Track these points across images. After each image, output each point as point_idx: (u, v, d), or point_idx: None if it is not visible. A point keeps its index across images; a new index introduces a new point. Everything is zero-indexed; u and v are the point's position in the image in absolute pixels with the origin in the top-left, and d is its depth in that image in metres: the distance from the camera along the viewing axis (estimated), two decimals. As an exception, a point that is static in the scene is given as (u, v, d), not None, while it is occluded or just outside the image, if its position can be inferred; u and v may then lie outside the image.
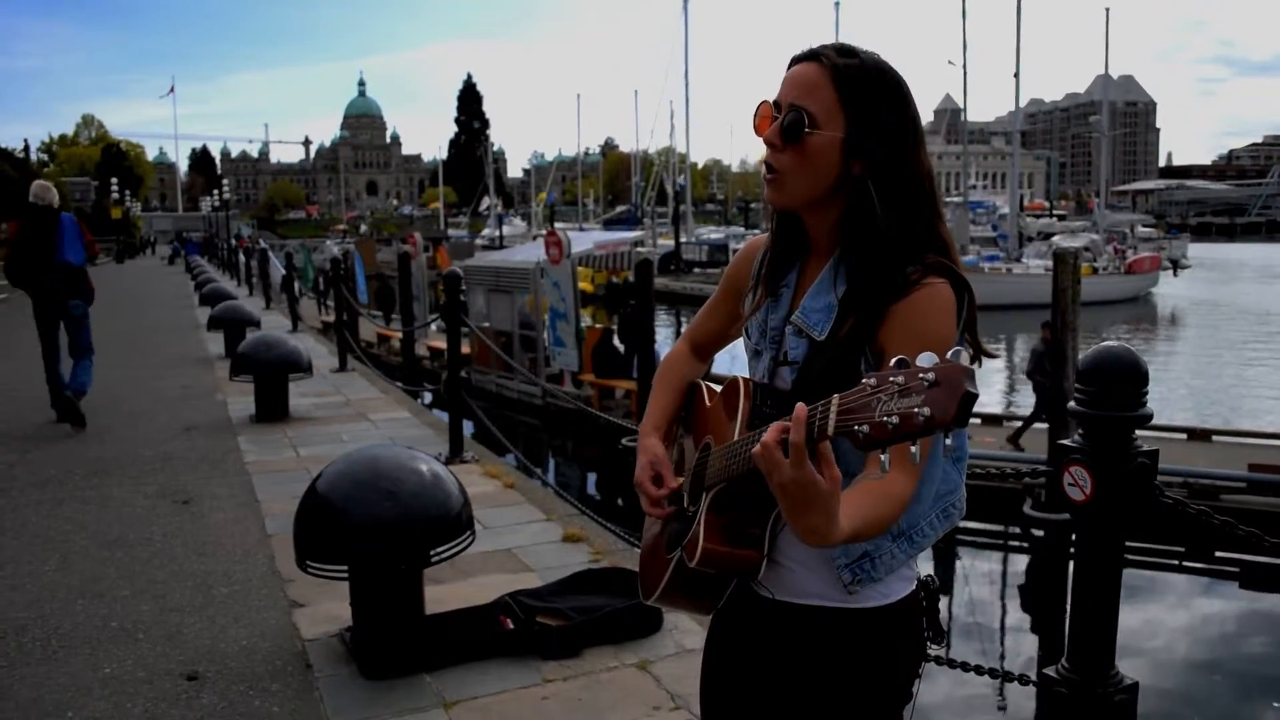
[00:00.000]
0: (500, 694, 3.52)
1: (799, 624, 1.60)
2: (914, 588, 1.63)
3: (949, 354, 1.09)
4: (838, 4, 48.51)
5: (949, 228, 1.60)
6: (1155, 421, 2.40)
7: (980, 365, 1.42)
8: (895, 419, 1.08)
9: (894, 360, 1.13)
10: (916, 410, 1.07)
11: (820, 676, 1.59)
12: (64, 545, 5.26)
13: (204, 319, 15.79)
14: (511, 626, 3.92)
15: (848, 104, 1.52)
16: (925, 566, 1.70)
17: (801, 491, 1.22)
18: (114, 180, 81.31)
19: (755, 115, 1.59)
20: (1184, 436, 11.63)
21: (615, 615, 3.94)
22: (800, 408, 1.21)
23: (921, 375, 1.09)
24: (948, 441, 1.10)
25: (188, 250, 51.02)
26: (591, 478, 13.22)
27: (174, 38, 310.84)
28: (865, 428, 1.11)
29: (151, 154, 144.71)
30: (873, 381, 1.13)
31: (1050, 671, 2.50)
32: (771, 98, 1.58)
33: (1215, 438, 11.78)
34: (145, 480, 6.61)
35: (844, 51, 1.54)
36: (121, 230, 66.42)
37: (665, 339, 25.05)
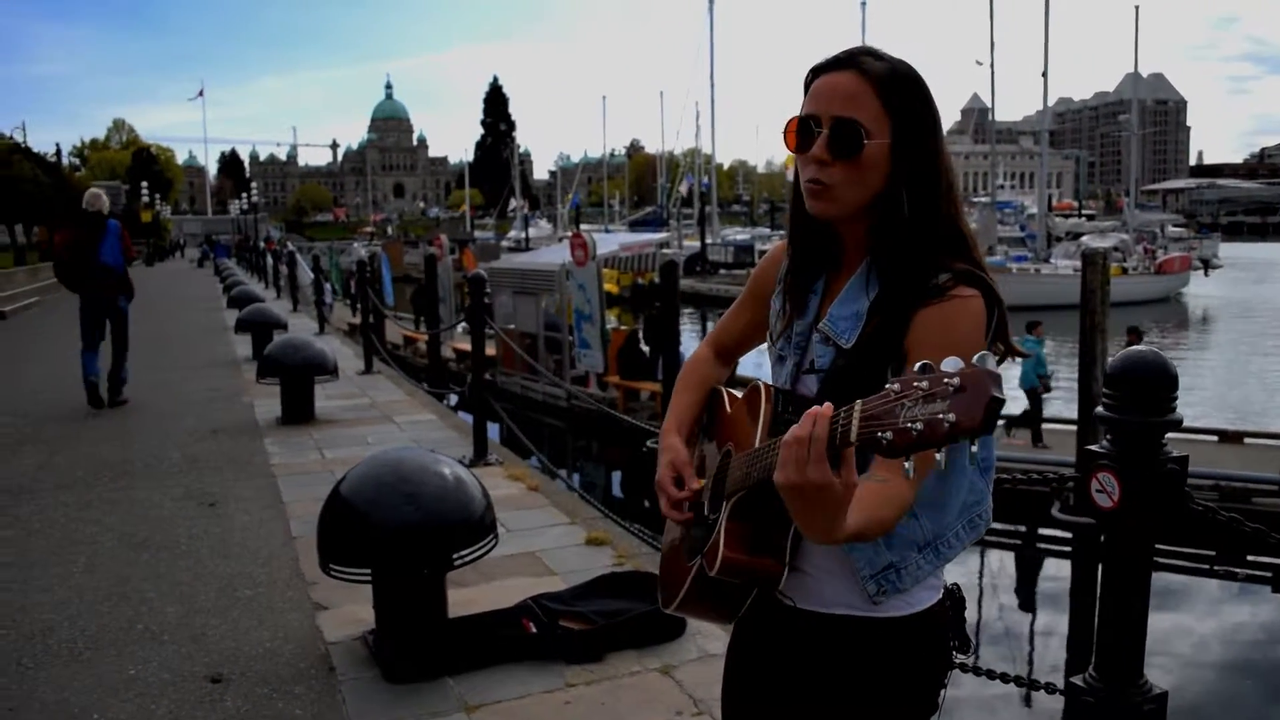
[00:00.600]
0: (523, 698, 3.51)
1: (824, 633, 1.57)
2: (940, 596, 1.60)
3: (975, 358, 1.05)
4: (864, 4, 48.47)
5: (973, 227, 1.58)
6: (1186, 424, 2.35)
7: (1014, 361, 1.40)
8: (920, 425, 1.05)
9: (918, 365, 1.10)
10: (942, 416, 1.03)
11: (845, 686, 1.56)
12: (91, 547, 5.30)
13: (232, 321, 15.87)
14: (534, 630, 3.91)
15: (891, 110, 1.49)
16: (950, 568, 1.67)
17: (817, 493, 1.20)
18: (144, 184, 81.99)
19: (785, 132, 1.56)
20: (1215, 439, 11.51)
21: (638, 619, 3.92)
22: (827, 405, 1.19)
23: (947, 380, 1.05)
24: (973, 449, 1.06)
25: (216, 253, 51.47)
26: (616, 480, 13.19)
27: (195, 42, 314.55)
28: (889, 434, 1.08)
29: (181, 157, 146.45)
30: (896, 387, 1.10)
31: (1078, 680, 2.46)
32: (800, 113, 1.54)
33: (1247, 440, 11.66)
34: (172, 482, 6.65)
35: (875, 56, 1.52)
36: (151, 233, 66.85)
37: (690, 341, 24.97)
